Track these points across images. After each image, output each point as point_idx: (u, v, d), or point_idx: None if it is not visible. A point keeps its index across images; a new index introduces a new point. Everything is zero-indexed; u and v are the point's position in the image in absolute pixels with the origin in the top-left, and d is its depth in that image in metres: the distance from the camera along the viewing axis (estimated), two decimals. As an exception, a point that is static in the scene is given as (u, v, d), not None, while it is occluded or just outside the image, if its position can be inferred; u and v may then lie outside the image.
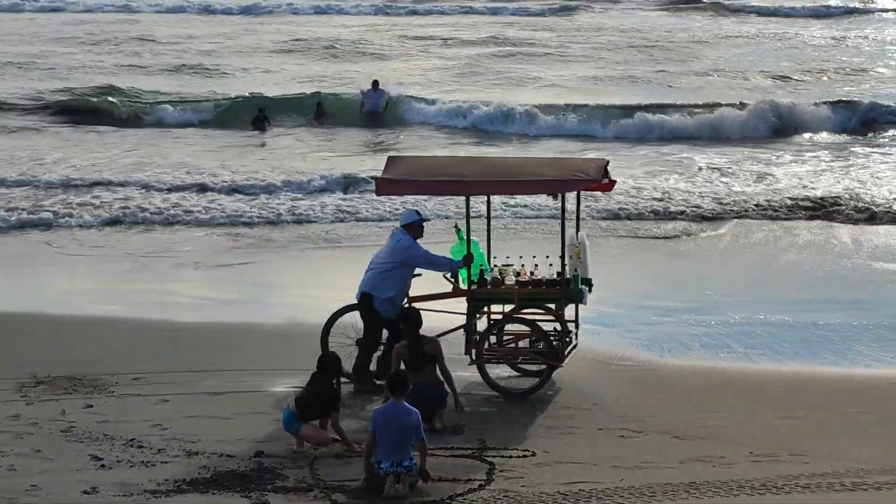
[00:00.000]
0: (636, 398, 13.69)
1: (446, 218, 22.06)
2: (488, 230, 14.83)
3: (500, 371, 14.26)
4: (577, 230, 14.41)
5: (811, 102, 35.75)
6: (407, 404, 10.96)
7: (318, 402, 11.91)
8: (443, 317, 14.14)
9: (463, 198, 15.11)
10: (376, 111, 36.75)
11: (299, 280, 20.14)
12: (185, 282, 19.80)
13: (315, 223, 23.99)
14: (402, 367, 12.45)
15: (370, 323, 13.88)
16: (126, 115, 36.70)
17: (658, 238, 22.79)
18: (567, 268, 14.01)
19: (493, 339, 14.23)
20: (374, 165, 26.58)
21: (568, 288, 13.92)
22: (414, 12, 62.97)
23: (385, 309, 13.73)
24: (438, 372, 12.70)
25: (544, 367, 13.91)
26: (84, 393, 13.60)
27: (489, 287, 13.98)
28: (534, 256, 14.15)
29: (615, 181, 14.97)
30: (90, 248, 22.12)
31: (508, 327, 14.26)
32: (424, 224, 14.10)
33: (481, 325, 14.36)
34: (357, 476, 11.01)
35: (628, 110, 35.76)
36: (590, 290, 14.34)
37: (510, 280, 13.98)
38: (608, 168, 14.35)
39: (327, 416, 12.00)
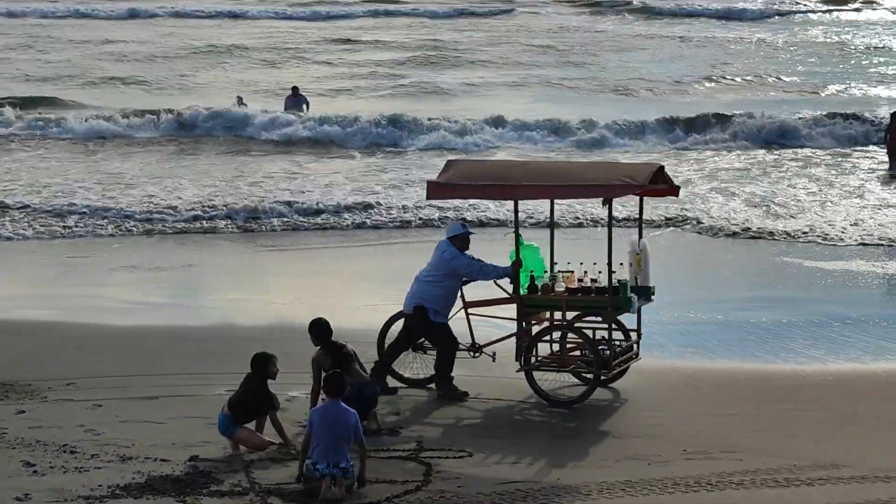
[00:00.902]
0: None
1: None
2: (551, 235, 14.51)
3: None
4: (640, 236, 14.26)
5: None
6: (345, 405, 10.92)
7: (253, 404, 11.85)
8: (502, 323, 14.16)
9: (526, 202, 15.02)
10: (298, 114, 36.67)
11: (232, 283, 20.03)
12: (117, 286, 19.62)
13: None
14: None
15: (428, 334, 14.02)
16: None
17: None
18: (615, 275, 13.46)
19: (553, 346, 13.99)
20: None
21: (616, 296, 13.45)
22: (329, 15, 63.10)
23: (436, 318, 13.85)
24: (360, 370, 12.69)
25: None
26: (16, 399, 13.42)
27: (539, 293, 13.77)
28: (594, 263, 13.76)
29: (678, 187, 14.58)
30: (19, 253, 21.88)
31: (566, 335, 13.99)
32: (471, 236, 14.05)
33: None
34: (293, 478, 10.96)
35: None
36: (650, 299, 14.12)
37: (560, 287, 13.73)
38: (665, 173, 14.00)
39: (263, 418, 11.94)
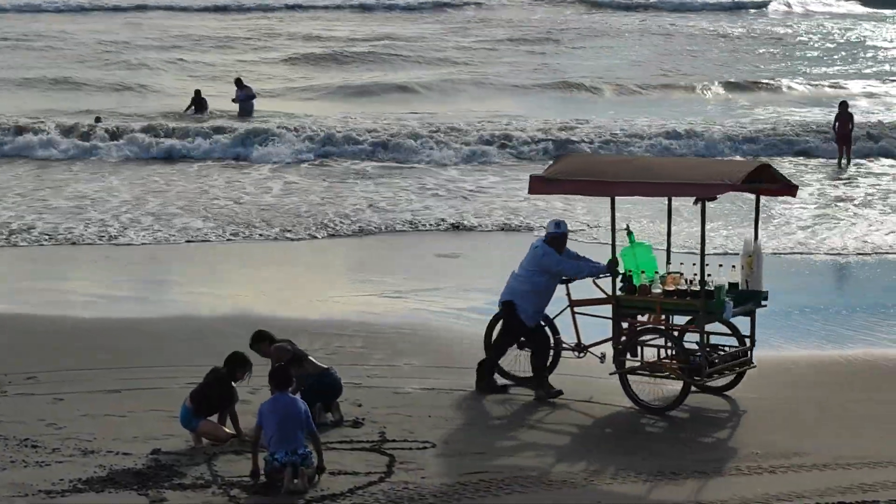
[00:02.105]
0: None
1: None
2: (668, 233, 13.95)
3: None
4: (756, 237, 13.70)
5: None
6: (292, 396, 10.97)
7: (216, 398, 11.82)
8: (605, 323, 13.69)
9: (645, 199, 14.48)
10: (247, 109, 36.18)
11: (193, 276, 19.94)
12: (79, 279, 19.50)
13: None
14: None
15: (508, 328, 13.78)
16: None
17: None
18: (712, 279, 12.95)
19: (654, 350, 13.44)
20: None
21: (709, 300, 12.83)
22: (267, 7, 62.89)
23: (528, 317, 13.58)
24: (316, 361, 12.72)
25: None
26: (-25, 393, 13.33)
27: (636, 294, 13.36)
28: (720, 265, 13.22)
29: (795, 185, 13.96)
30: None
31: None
32: (567, 235, 13.75)
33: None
34: (254, 472, 10.93)
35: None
36: (762, 304, 13.51)
37: (657, 288, 13.29)
38: (774, 171, 13.60)
39: (225, 411, 11.90)
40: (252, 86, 38.13)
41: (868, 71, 48.84)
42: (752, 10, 71.17)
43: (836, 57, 52.29)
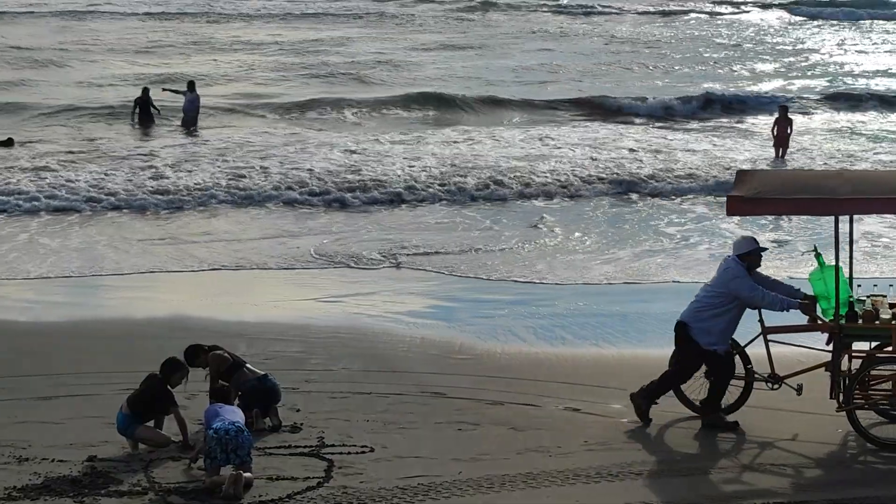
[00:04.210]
0: (475, 391, 13.76)
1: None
2: (850, 254, 12.80)
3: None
4: None
5: None
6: (233, 407, 11.19)
7: (154, 402, 11.76)
8: (801, 352, 13.04)
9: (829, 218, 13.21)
10: (191, 117, 34.45)
11: (132, 281, 19.77)
12: (13, 284, 19.28)
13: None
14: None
15: (681, 352, 12.75)
16: None
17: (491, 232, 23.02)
18: None
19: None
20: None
21: None
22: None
23: (710, 342, 12.55)
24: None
25: None
26: None
27: (860, 322, 12.32)
28: None
29: None
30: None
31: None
32: (761, 254, 12.85)
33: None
34: (194, 478, 10.89)
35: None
36: None
37: (885, 314, 12.35)
38: None
39: (162, 417, 11.84)
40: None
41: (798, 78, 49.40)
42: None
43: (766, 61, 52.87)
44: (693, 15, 70.19)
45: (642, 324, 17.07)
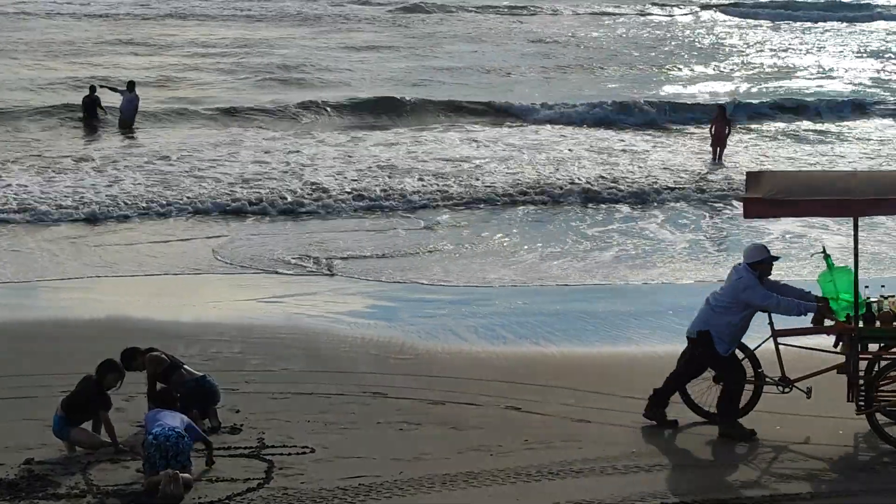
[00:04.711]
0: (416, 391, 13.75)
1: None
2: (855, 255, 12.70)
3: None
4: None
5: None
6: (175, 412, 11.10)
7: (88, 404, 11.66)
8: (812, 355, 12.90)
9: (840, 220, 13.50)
10: (129, 117, 33.82)
11: (68, 284, 19.57)
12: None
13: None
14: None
15: (697, 359, 12.63)
16: None
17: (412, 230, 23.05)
18: None
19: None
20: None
21: None
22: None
23: (723, 349, 12.48)
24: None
25: None
26: None
27: (878, 323, 12.28)
28: None
29: None
30: None
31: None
32: (772, 263, 12.70)
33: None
34: (132, 480, 10.80)
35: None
36: None
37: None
38: None
39: (99, 418, 11.74)
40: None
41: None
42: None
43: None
44: (630, 17, 70.58)
45: (582, 323, 17.16)
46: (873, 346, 12.53)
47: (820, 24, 69.10)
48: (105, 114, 34.56)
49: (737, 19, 71.01)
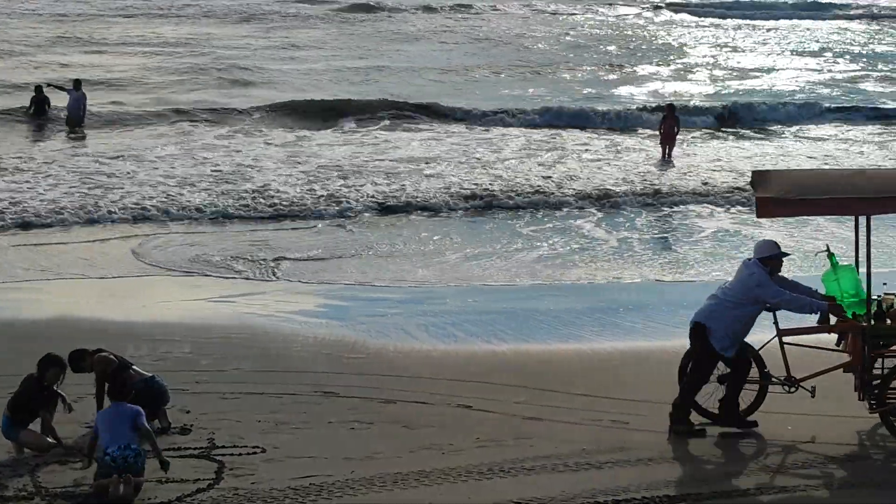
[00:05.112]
0: (368, 389, 13.73)
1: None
2: (868, 253, 12.44)
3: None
4: None
5: None
6: (128, 405, 10.87)
7: (31, 404, 11.56)
8: (817, 354, 12.86)
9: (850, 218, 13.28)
10: (77, 115, 33.50)
11: (16, 285, 19.39)
12: None
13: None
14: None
15: (700, 356, 12.49)
16: None
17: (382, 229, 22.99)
18: None
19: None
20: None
21: None
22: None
23: (724, 345, 12.33)
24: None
25: None
26: None
27: (889, 322, 12.31)
28: None
29: None
30: None
31: None
32: (784, 259, 12.62)
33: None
34: (81, 482, 10.72)
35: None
36: None
37: None
38: None
39: (46, 417, 11.65)
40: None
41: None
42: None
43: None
44: (578, 15, 70.77)
45: (532, 321, 17.18)
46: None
47: (772, 21, 69.48)
48: (50, 110, 34.24)
49: (688, 17, 71.33)
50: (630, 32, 62.79)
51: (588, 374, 14.45)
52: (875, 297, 12.54)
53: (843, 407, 12.83)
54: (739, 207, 25.61)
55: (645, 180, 28.12)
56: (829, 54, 55.44)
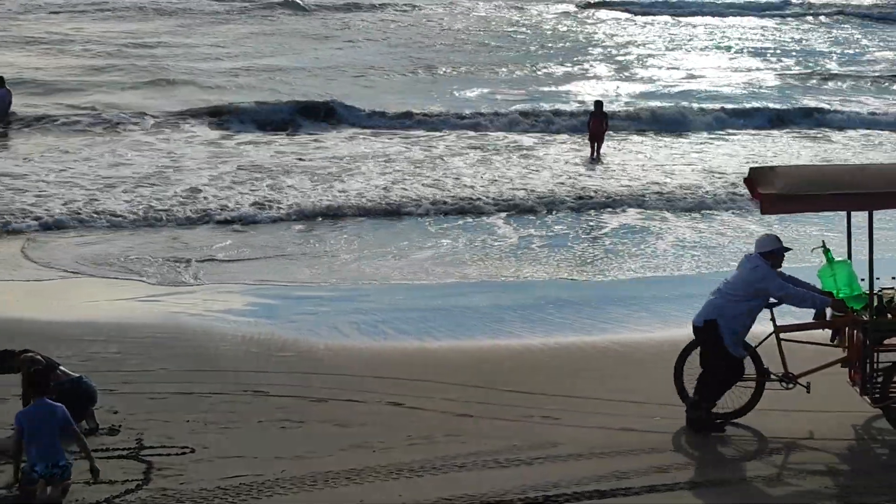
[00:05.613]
0: (298, 388, 13.68)
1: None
2: (870, 248, 12.41)
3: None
4: None
5: None
6: (50, 401, 10.69)
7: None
8: (816, 349, 12.88)
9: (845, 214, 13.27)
10: (2, 110, 32.87)
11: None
12: None
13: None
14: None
15: (714, 354, 12.40)
16: None
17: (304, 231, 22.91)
18: None
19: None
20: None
21: None
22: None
23: (730, 341, 12.35)
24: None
25: None
26: None
27: (890, 316, 12.37)
28: None
29: None
30: None
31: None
32: (785, 253, 12.59)
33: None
34: (6, 484, 10.58)
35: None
36: None
37: None
38: None
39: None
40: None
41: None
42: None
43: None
44: (506, 12, 70.93)
45: (462, 317, 17.21)
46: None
47: (707, 18, 69.91)
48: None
49: (621, 14, 71.61)
50: (561, 30, 63.00)
51: (519, 371, 14.50)
52: (875, 293, 12.58)
53: (828, 403, 12.90)
54: (662, 208, 25.74)
55: (571, 179, 28.22)
56: (768, 53, 55.99)
